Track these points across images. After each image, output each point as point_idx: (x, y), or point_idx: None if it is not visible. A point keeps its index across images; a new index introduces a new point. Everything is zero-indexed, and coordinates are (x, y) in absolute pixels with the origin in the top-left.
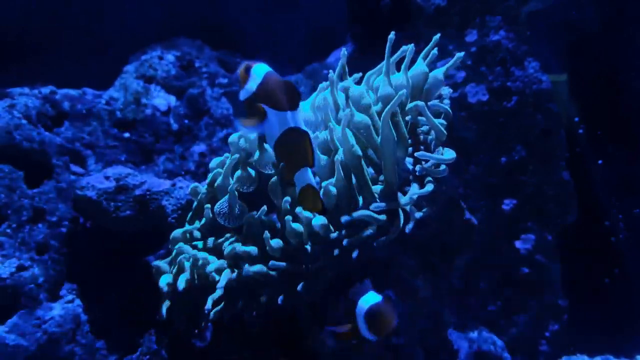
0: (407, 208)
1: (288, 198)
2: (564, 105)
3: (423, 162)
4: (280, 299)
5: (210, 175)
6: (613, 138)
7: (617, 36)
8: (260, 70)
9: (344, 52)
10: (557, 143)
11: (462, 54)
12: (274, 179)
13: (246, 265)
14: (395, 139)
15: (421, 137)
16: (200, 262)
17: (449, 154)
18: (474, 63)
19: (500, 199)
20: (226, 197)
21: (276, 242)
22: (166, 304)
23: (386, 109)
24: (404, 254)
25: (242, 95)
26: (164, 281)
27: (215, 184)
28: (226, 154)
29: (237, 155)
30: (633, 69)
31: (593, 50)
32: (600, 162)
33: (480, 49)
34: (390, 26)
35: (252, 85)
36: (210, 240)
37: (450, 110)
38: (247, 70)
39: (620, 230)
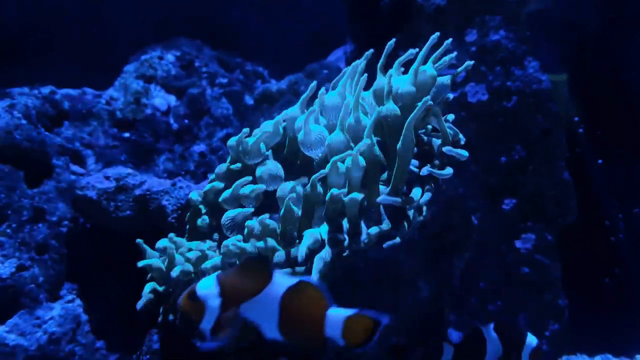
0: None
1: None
2: (564, 105)
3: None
4: None
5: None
6: (613, 138)
7: (617, 36)
8: (205, 286)
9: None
10: (557, 143)
11: (453, 54)
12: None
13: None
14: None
15: (425, 138)
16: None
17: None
18: (473, 63)
19: (500, 198)
20: (234, 211)
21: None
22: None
23: (411, 116)
24: (404, 254)
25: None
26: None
27: (221, 199)
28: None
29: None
30: (633, 68)
31: (593, 50)
32: (600, 162)
33: (480, 48)
34: (390, 26)
35: (209, 318)
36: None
37: (459, 131)
38: (192, 297)
39: (620, 230)
